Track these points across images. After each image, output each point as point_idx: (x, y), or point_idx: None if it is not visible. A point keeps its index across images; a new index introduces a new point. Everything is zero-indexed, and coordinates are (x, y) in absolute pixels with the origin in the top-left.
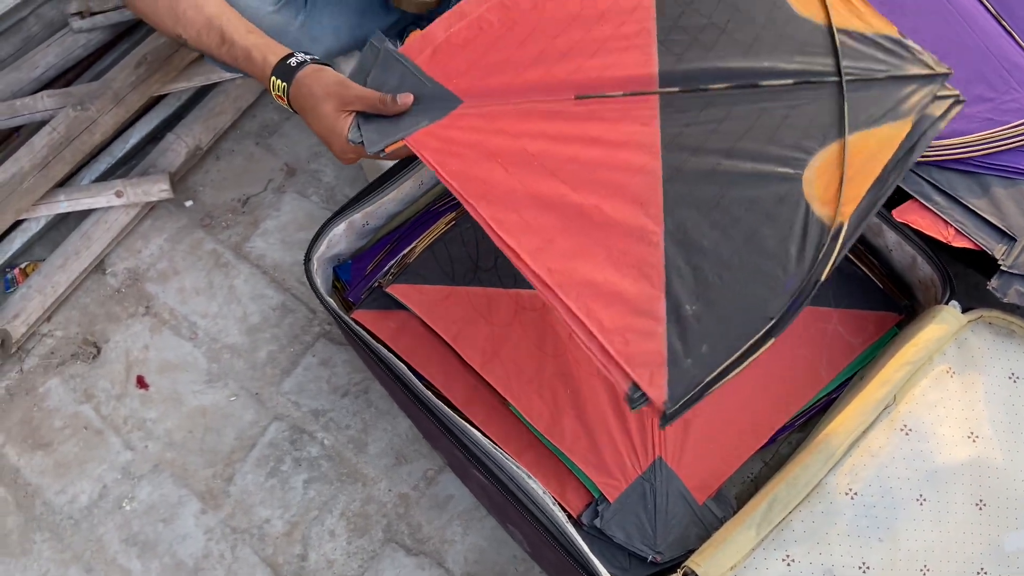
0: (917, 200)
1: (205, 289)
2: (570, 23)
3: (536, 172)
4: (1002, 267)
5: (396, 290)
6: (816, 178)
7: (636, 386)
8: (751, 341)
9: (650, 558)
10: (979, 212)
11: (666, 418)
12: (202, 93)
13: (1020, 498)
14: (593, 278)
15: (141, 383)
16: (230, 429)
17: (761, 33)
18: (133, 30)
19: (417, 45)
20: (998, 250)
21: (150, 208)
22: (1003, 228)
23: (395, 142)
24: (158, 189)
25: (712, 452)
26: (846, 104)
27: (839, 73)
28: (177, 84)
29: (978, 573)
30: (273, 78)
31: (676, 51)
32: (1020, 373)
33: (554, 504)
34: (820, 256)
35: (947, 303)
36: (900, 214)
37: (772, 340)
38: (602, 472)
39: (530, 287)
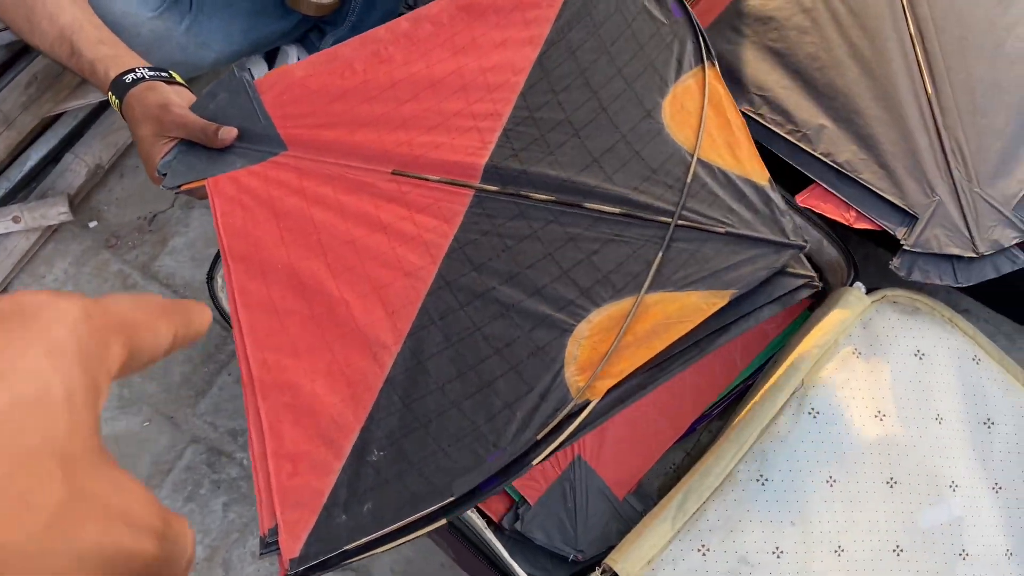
0: (819, 184)
1: None
2: (425, 90)
3: (309, 247)
4: (904, 246)
5: None
6: (587, 336)
7: (275, 530)
8: (418, 516)
9: (571, 557)
10: (880, 193)
11: (288, 572)
12: (100, 110)
13: (930, 474)
14: (300, 384)
15: None
16: (145, 455)
17: (617, 145)
18: (29, 49)
19: (273, 79)
20: (900, 231)
21: (52, 231)
22: (904, 207)
23: (193, 181)
24: (56, 212)
25: (631, 447)
26: (660, 254)
27: (674, 216)
28: (72, 102)
29: (894, 551)
30: (110, 94)
31: (516, 145)
32: (925, 350)
33: (472, 511)
34: (544, 435)
35: (852, 285)
36: (803, 199)
37: (443, 521)
38: (525, 475)
39: None
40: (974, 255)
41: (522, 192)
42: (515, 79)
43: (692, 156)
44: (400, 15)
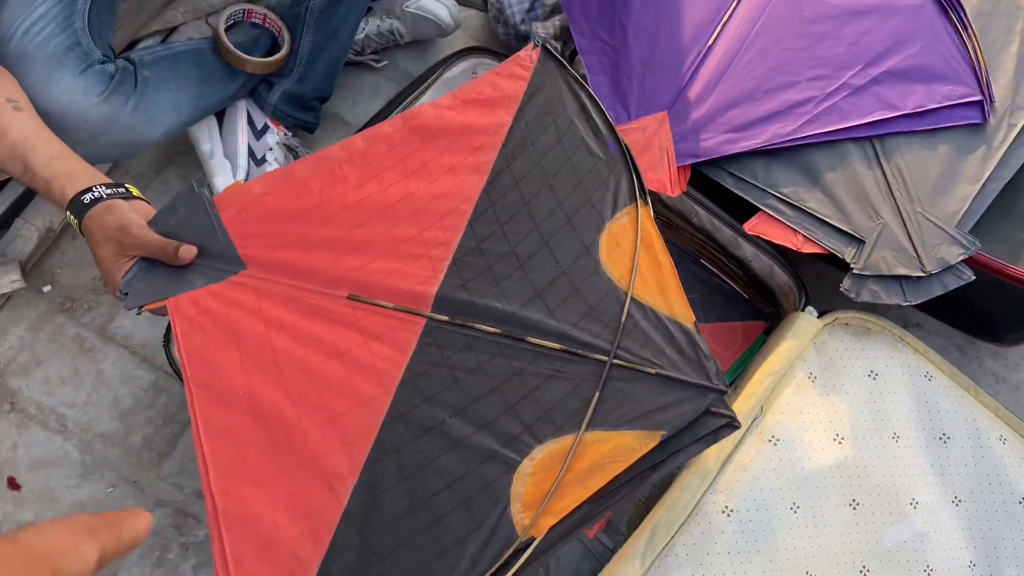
0: (765, 211)
1: (71, 377)
2: (378, 215)
3: (268, 373)
4: (853, 269)
5: None
6: (531, 473)
7: None
8: None
9: None
10: (826, 220)
11: None
12: None
13: (891, 493)
14: (261, 517)
15: (13, 484)
16: None
17: (558, 280)
18: None
19: (231, 196)
20: (848, 253)
21: (6, 299)
22: (850, 232)
23: (153, 302)
24: (9, 281)
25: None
26: (597, 394)
27: (610, 356)
28: None
29: (861, 571)
30: (68, 213)
31: (464, 276)
32: (878, 370)
33: None
34: (493, 571)
35: (803, 309)
36: (751, 227)
37: None
38: None
39: None
40: (922, 274)
41: (470, 323)
42: (463, 207)
43: (626, 295)
44: (341, 66)
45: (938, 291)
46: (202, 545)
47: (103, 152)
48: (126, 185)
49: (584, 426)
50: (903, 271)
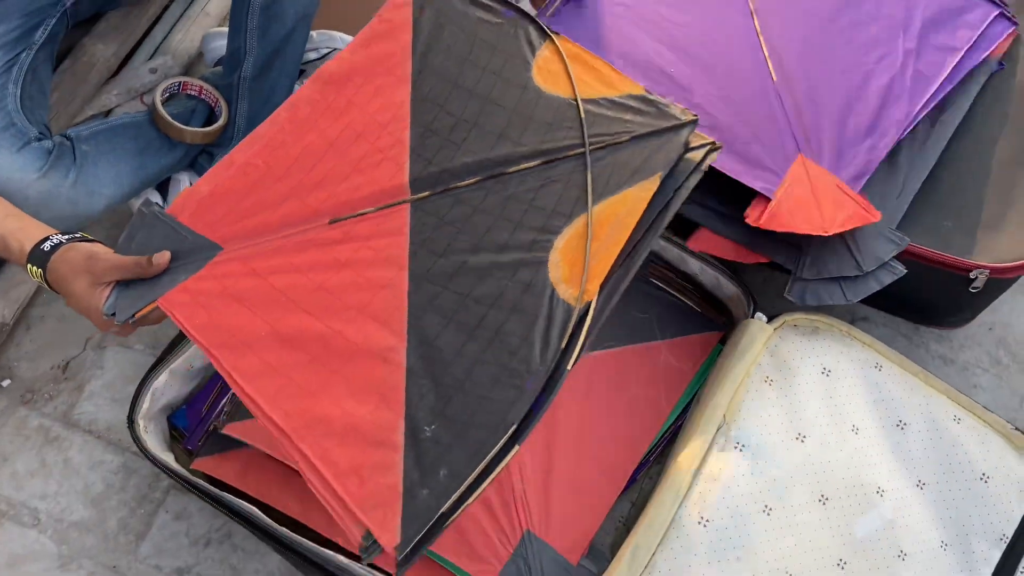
0: (706, 228)
1: (39, 469)
2: (326, 151)
3: (282, 308)
4: (795, 276)
5: (233, 429)
6: (561, 259)
7: (369, 534)
8: (491, 455)
9: None
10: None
11: (400, 565)
12: None
13: (857, 484)
14: (329, 414)
15: None
16: None
17: (511, 118)
18: None
19: (182, 202)
20: (789, 261)
21: None
22: (789, 241)
23: (143, 307)
24: None
25: (576, 510)
26: (588, 174)
27: (584, 144)
28: None
29: (838, 564)
30: (29, 266)
31: (427, 155)
32: (831, 366)
33: None
34: (565, 344)
35: (753, 316)
36: (694, 244)
37: (516, 448)
38: (475, 560)
39: None
40: (859, 273)
41: (451, 186)
42: (401, 111)
43: (576, 99)
44: None
45: (875, 287)
46: None
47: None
48: (81, 232)
49: (590, 202)
50: (842, 273)
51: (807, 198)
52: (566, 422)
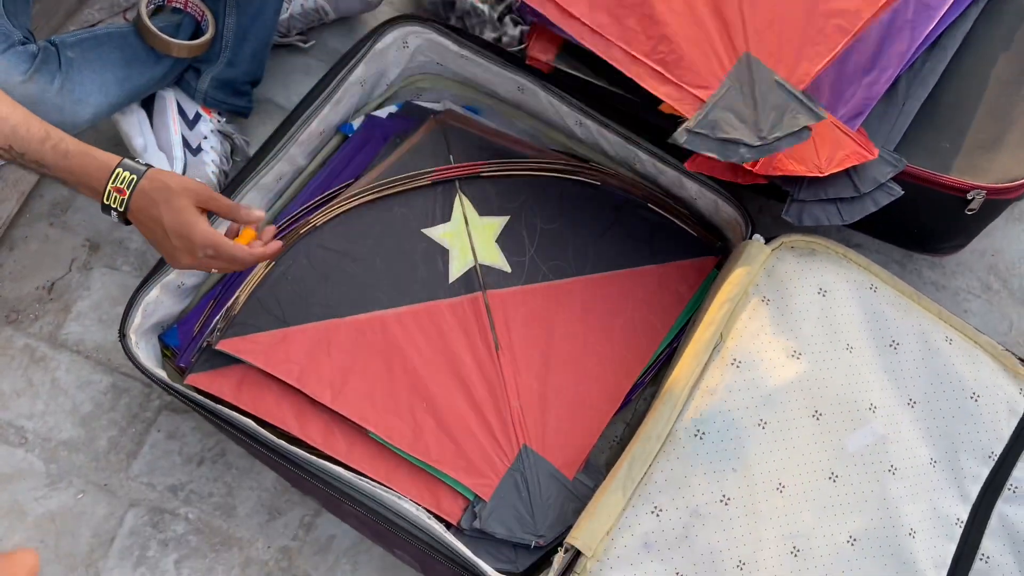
0: None
1: (25, 389)
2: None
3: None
4: (792, 198)
5: (227, 345)
6: None
7: None
8: None
9: (533, 544)
10: None
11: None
12: None
13: (850, 401)
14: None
15: None
16: (84, 528)
17: None
18: None
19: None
20: (787, 182)
21: None
22: None
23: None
24: None
25: (572, 427)
26: None
27: None
28: None
29: (829, 477)
30: (119, 170)
31: None
32: (827, 286)
33: (430, 518)
34: None
35: (751, 238)
36: (692, 165)
37: None
38: (472, 474)
39: (367, 311)
40: (855, 195)
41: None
42: None
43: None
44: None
45: (871, 208)
46: (182, 539)
47: None
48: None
49: None
50: (839, 194)
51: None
52: (563, 343)
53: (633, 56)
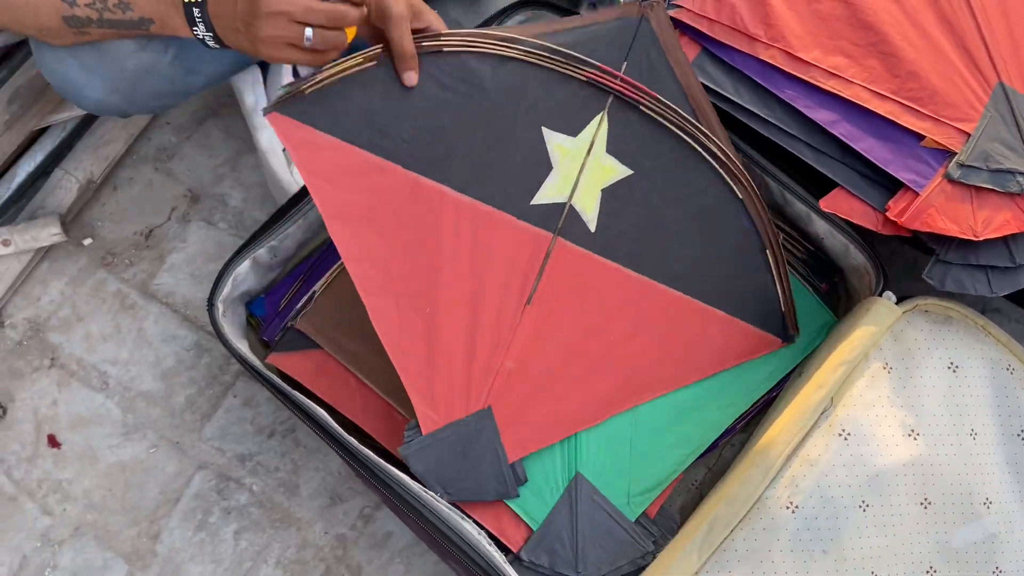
0: (843, 187)
1: (113, 334)
2: None
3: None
4: (938, 257)
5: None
6: None
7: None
8: None
9: None
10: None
11: None
12: (88, 122)
13: (965, 492)
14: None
15: (53, 442)
16: (152, 483)
17: None
18: (4, 59)
19: None
20: (933, 239)
21: (46, 252)
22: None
23: None
24: (48, 234)
25: (542, 415)
26: None
27: None
28: (58, 115)
29: (927, 572)
30: None
31: None
32: (959, 362)
33: (490, 544)
34: None
35: (881, 294)
36: (827, 204)
37: None
38: (428, 402)
39: (434, 178)
40: (1011, 264)
41: None
42: None
43: None
44: None
45: None
46: (244, 510)
47: (141, 102)
48: None
49: None
50: (991, 261)
51: (962, 195)
52: (590, 333)
53: (881, 95)
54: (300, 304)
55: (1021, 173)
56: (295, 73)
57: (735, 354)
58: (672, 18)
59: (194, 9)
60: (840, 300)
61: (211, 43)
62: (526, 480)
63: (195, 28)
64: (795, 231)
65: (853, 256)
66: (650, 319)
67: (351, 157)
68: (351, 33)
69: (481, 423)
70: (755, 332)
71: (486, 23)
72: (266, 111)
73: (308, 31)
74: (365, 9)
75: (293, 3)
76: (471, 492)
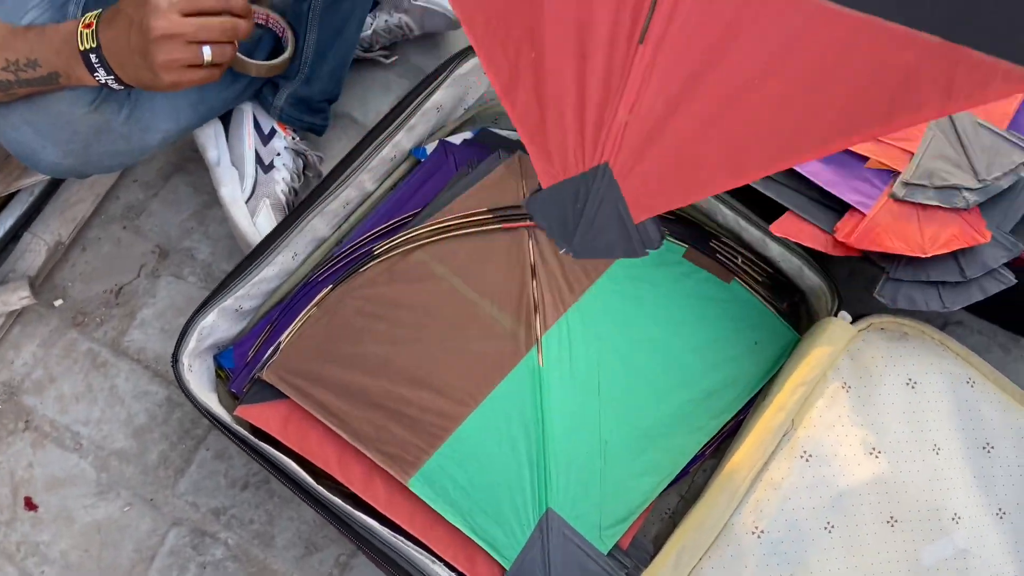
0: (793, 212)
1: (85, 394)
2: None
3: None
4: (888, 275)
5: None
6: None
7: None
8: None
9: None
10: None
11: None
12: (55, 186)
13: (932, 508)
14: None
15: (29, 504)
16: (127, 542)
17: None
18: None
19: None
20: (884, 258)
21: (18, 314)
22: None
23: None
24: (18, 298)
25: (670, 176)
26: None
27: None
28: (25, 180)
29: None
30: (89, 14)
31: None
32: (917, 377)
33: None
34: None
35: (836, 315)
36: (777, 228)
37: None
38: (543, 157)
39: None
40: (961, 279)
41: None
42: None
43: None
44: (348, 65)
45: (977, 297)
46: (220, 564)
47: (97, 162)
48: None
49: None
50: (942, 277)
51: (908, 213)
52: (726, 74)
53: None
54: (267, 354)
55: (967, 188)
56: (256, 126)
57: (958, 99)
58: None
59: (91, 55)
60: (802, 320)
61: (114, 85)
62: (660, 243)
63: (96, 74)
64: (753, 255)
65: (808, 278)
66: (807, 49)
67: None
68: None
69: (598, 180)
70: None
71: (440, 68)
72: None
73: (205, 49)
74: (254, 16)
75: (184, 23)
76: (598, 250)
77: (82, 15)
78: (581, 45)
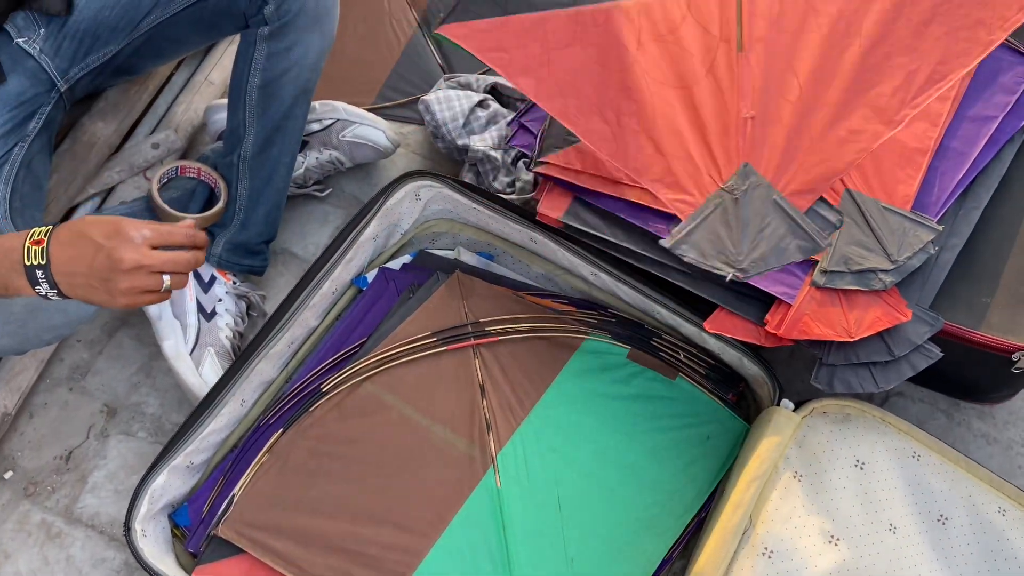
0: (724, 308)
1: (41, 568)
2: None
3: None
4: (822, 361)
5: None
6: None
7: None
8: None
9: (729, 277)
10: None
11: None
12: None
13: None
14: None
15: None
16: None
17: None
18: None
19: None
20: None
21: None
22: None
23: None
24: None
25: (817, 147)
26: None
27: None
28: None
29: None
30: (35, 229)
31: None
32: (864, 458)
33: None
34: None
35: (778, 403)
36: (711, 325)
37: None
38: (673, 188)
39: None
40: (890, 358)
41: None
42: None
43: None
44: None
45: (908, 373)
46: None
47: (35, 338)
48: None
49: None
50: (872, 358)
51: (831, 300)
52: (840, 40)
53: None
54: (222, 509)
55: (882, 270)
56: (195, 275)
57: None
58: (541, 174)
59: (37, 271)
60: (751, 405)
61: (53, 297)
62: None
63: (37, 287)
64: (695, 348)
65: (748, 367)
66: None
67: (511, 24)
68: None
69: (745, 181)
70: None
71: (370, 202)
72: (436, 27)
73: (166, 277)
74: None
75: (153, 256)
76: (768, 259)
77: (10, 203)
78: (680, 78)
